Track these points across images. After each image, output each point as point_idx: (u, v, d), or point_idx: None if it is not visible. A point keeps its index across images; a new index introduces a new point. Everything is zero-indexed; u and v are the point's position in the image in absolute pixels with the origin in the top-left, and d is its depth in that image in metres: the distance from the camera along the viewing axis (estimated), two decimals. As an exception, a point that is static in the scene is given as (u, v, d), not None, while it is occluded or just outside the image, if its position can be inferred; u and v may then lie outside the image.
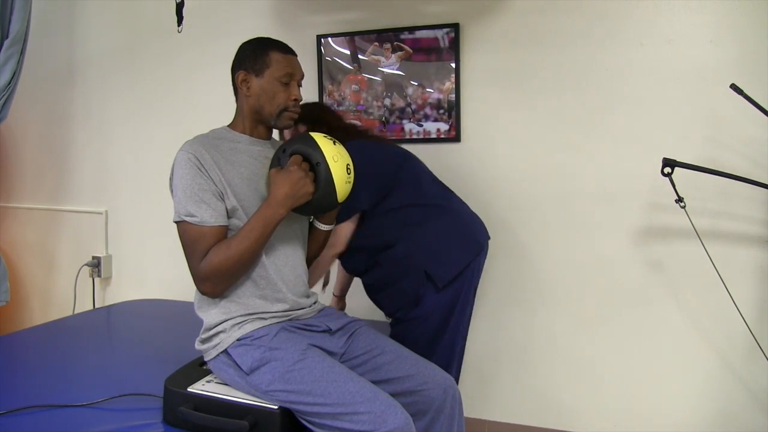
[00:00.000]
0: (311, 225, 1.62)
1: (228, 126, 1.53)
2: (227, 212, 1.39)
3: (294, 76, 1.48)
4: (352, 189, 1.46)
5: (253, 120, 1.51)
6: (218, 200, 1.38)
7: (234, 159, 1.44)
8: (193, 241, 1.36)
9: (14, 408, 1.41)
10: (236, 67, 1.50)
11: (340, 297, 2.12)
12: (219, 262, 1.34)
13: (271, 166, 1.43)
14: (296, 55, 1.52)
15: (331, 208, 1.52)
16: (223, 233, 1.38)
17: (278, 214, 1.35)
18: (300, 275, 1.53)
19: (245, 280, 1.43)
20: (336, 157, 1.40)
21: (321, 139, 1.41)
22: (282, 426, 1.31)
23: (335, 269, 2.07)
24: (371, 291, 1.81)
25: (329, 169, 1.38)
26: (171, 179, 1.42)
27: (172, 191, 1.42)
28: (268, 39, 1.51)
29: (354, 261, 1.82)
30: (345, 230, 1.76)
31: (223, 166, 1.41)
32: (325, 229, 1.60)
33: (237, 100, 1.53)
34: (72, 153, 2.96)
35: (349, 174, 1.43)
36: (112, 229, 2.91)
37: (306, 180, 1.36)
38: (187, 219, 1.36)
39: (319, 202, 1.41)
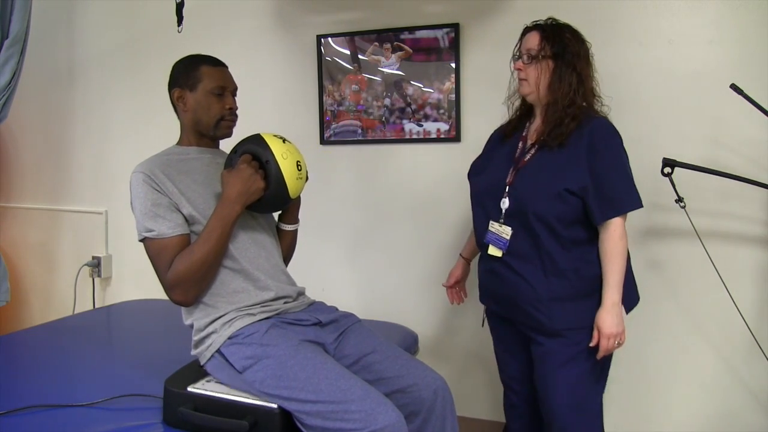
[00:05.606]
0: (277, 227, 1.66)
1: (176, 144, 1.59)
2: (186, 220, 1.43)
3: (226, 88, 1.54)
4: None
5: (195, 133, 1.57)
6: (173, 212, 1.42)
7: (186, 168, 1.50)
8: (157, 254, 1.40)
9: (14, 408, 1.41)
10: (171, 85, 1.57)
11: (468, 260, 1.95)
12: (185, 268, 1.37)
13: (225, 169, 1.47)
14: (227, 67, 1.58)
15: (285, 204, 1.57)
16: (184, 242, 1.42)
17: (234, 212, 1.39)
18: (277, 264, 1.56)
19: (224, 278, 1.45)
20: (285, 155, 1.44)
21: (270, 138, 1.46)
22: (282, 426, 1.31)
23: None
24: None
25: (279, 165, 1.43)
26: (131, 202, 1.46)
27: (133, 212, 1.46)
28: (198, 55, 1.58)
29: None
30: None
31: (175, 177, 1.45)
32: (288, 229, 1.65)
33: (178, 117, 1.59)
34: (72, 153, 2.96)
35: (299, 170, 1.47)
36: (112, 229, 2.91)
37: (256, 176, 1.41)
38: (147, 235, 1.41)
39: (272, 198, 1.46)
